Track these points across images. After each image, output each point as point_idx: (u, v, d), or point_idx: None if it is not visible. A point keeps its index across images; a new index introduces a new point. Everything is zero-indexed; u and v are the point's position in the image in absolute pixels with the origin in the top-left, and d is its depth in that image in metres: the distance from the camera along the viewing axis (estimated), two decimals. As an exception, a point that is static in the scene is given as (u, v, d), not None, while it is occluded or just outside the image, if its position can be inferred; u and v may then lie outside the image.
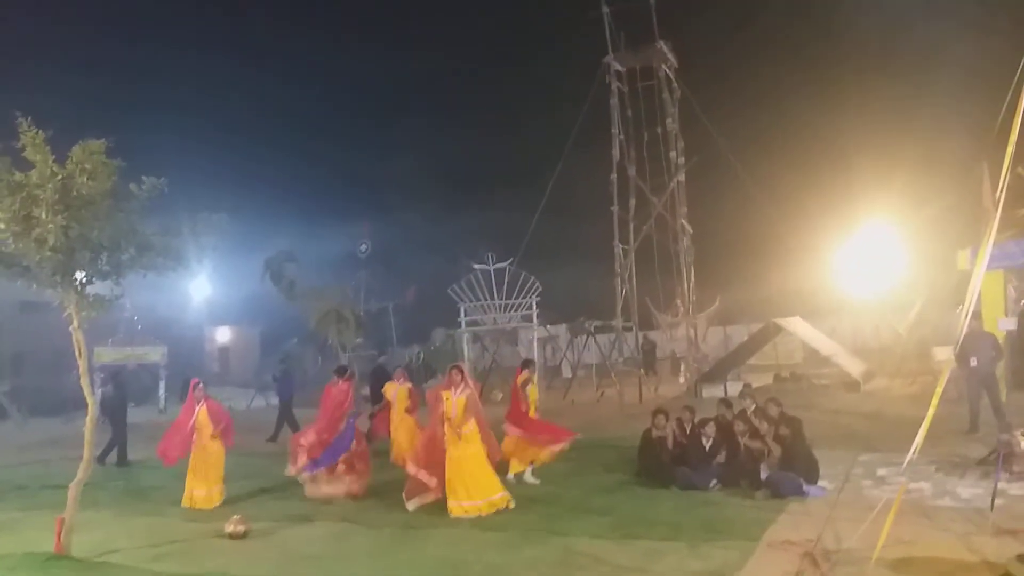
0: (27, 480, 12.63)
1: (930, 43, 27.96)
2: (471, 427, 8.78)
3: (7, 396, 25.76)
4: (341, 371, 10.61)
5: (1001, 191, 5.30)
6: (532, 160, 56.84)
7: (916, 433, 5.33)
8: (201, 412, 10.01)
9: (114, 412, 14.19)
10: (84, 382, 7.99)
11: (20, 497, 11.17)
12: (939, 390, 5.44)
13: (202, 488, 9.79)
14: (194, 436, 9.97)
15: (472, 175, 69.06)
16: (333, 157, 75.11)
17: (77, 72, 62.86)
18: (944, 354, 17.50)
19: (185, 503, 9.79)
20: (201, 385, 10.29)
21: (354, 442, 9.93)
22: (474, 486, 8.59)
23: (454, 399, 8.85)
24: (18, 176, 7.22)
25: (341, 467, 9.76)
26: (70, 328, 7.79)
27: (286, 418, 16.38)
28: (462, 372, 9.19)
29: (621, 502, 8.75)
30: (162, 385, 27.17)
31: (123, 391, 15.07)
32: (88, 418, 7.97)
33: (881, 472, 9.26)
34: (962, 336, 6.31)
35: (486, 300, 22.63)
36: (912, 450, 5.36)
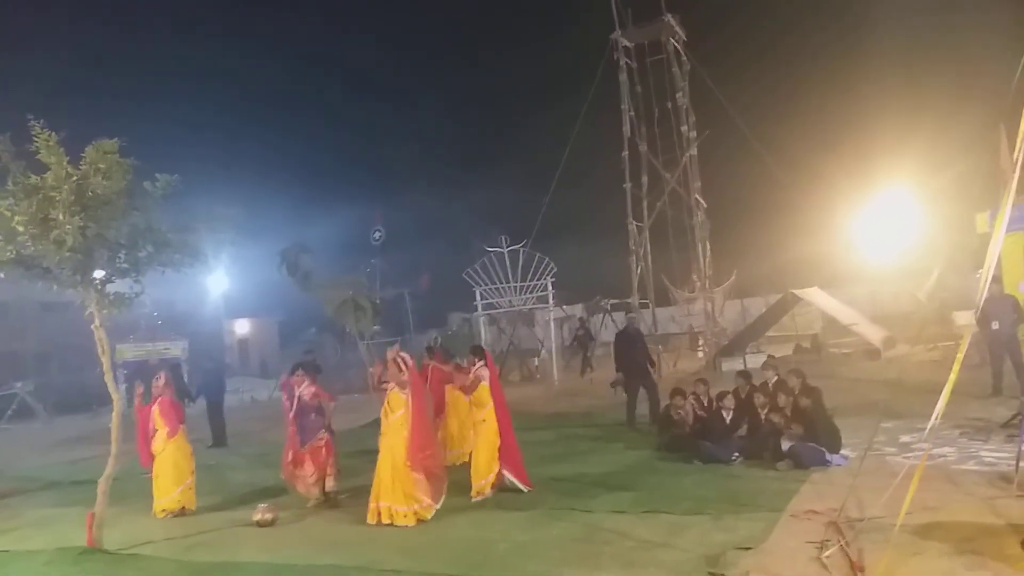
0: (57, 476, 12.87)
1: (946, 6, 27.47)
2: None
3: (33, 395, 26.19)
4: (310, 367, 9.72)
5: (1018, 152, 5.22)
6: (543, 140, 56.67)
7: (938, 399, 5.30)
8: (155, 412, 9.22)
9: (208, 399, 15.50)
10: (108, 378, 8.09)
11: (51, 493, 11.38)
12: (960, 355, 5.39)
13: (156, 495, 9.00)
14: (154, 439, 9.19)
15: (483, 157, 69.03)
16: (343, 144, 75.35)
17: (85, 66, 63.22)
18: (965, 318, 17.37)
19: (157, 513, 9.00)
20: (160, 381, 9.45)
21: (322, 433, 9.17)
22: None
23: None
24: (33, 179, 7.28)
25: (309, 463, 9.03)
26: (92, 326, 7.89)
27: (218, 419, 15.56)
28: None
29: (643, 478, 8.78)
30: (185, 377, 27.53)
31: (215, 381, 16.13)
32: (114, 413, 8.07)
33: (904, 439, 9.24)
34: (983, 300, 6.26)
35: (501, 283, 22.66)
36: (935, 416, 5.33)
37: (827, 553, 5.52)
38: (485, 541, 6.86)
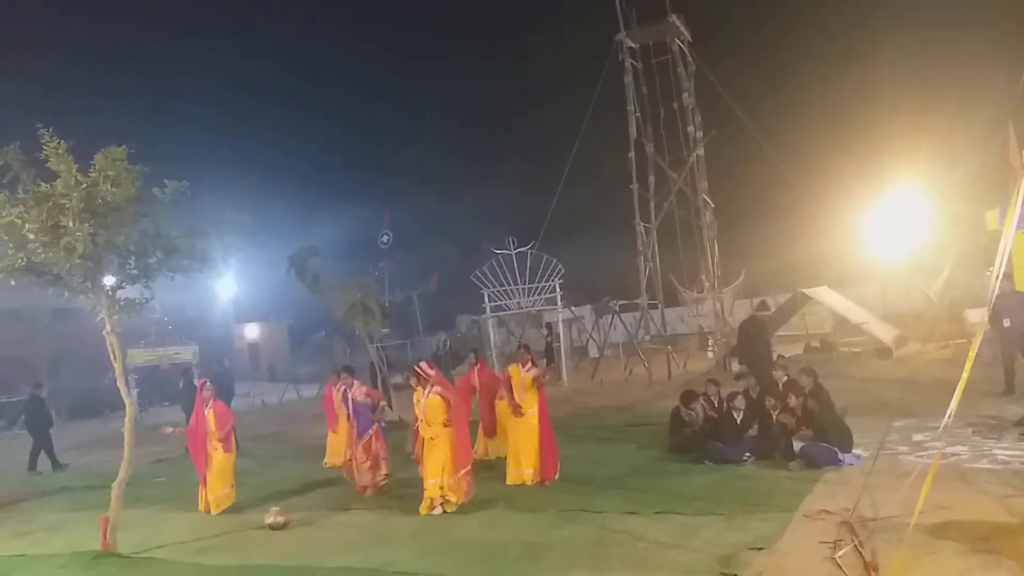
0: (71, 481, 12.96)
1: (954, 4, 27.32)
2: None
3: (46, 400, 26.30)
4: (351, 370, 10.17)
5: (1028, 149, 5.21)
6: (549, 142, 56.76)
7: (951, 397, 5.27)
8: (209, 415, 9.61)
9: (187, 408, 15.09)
10: (120, 384, 8.15)
11: (65, 498, 11.46)
12: (972, 353, 5.36)
13: (212, 493, 9.48)
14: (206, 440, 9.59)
15: (489, 159, 69.20)
16: (350, 147, 75.75)
17: (93, 72, 63.74)
18: (976, 316, 17.29)
19: (201, 507, 9.49)
20: (208, 386, 9.96)
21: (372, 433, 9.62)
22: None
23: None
24: (44, 187, 7.34)
25: (367, 460, 9.54)
26: (104, 332, 7.94)
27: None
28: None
29: (655, 479, 8.76)
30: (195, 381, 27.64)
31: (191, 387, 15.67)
32: (127, 418, 8.13)
33: (917, 438, 9.19)
34: (994, 297, 6.22)
35: (509, 285, 22.66)
36: (947, 414, 5.31)
37: (840, 553, 5.50)
38: (497, 543, 6.87)
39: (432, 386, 8.39)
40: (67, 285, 7.80)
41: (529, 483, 9.01)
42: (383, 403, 10.05)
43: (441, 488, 8.20)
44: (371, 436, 9.60)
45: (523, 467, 9.15)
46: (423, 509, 8.20)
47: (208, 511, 9.38)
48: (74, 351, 29.27)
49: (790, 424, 8.94)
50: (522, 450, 9.20)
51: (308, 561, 6.93)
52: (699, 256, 26.20)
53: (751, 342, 12.06)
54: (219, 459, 9.57)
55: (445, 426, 8.28)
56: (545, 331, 25.60)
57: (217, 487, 9.51)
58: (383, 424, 9.98)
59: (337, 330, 34.01)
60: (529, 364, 9.51)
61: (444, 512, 8.11)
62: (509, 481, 9.17)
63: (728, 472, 8.63)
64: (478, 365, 11.61)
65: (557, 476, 9.10)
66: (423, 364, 8.72)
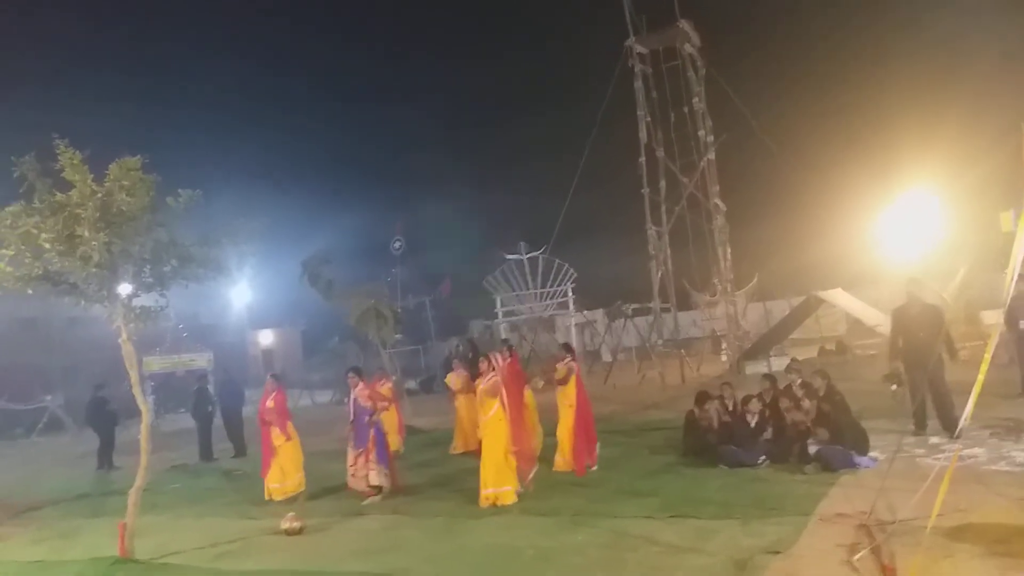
0: (88, 488, 13.05)
1: (967, 6, 27.14)
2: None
3: (62, 408, 26.52)
4: (358, 371, 10.30)
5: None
6: (560, 147, 56.78)
7: (967, 399, 5.24)
8: (270, 405, 10.27)
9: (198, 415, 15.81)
10: (136, 391, 8.20)
11: (83, 505, 11.54)
12: (988, 355, 5.33)
13: (277, 480, 10.03)
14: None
15: (500, 164, 69.34)
16: (363, 153, 76.07)
17: (104, 77, 64.28)
18: (992, 318, 17.13)
19: (266, 496, 10.04)
20: (271, 378, 10.56)
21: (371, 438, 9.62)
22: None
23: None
24: (59, 197, 7.42)
25: (372, 460, 9.56)
26: (119, 340, 8.00)
27: (236, 430, 15.61)
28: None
29: (669, 483, 8.74)
30: (210, 389, 27.76)
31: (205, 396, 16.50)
32: (143, 425, 8.18)
33: (933, 440, 9.13)
34: (1009, 299, 6.17)
35: (521, 290, 22.66)
36: (964, 416, 5.28)
37: (857, 556, 5.47)
38: (510, 548, 6.86)
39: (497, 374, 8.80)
40: (83, 294, 7.87)
41: (569, 470, 9.63)
42: (384, 405, 10.10)
43: (493, 499, 8.44)
44: (367, 447, 9.53)
45: (566, 455, 9.76)
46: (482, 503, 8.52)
47: (271, 499, 9.88)
48: (90, 359, 29.48)
49: (804, 427, 8.89)
50: (563, 440, 9.82)
51: (323, 566, 6.95)
52: (711, 260, 26.08)
53: (904, 334, 9.83)
54: (284, 449, 10.08)
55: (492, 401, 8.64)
56: (467, 345, 24.90)
57: (282, 475, 9.98)
58: (379, 430, 9.80)
59: (350, 336, 34.11)
60: (569, 358, 10.09)
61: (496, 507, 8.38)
62: (555, 468, 9.80)
63: (743, 475, 8.59)
64: (510, 359, 11.79)
65: (595, 467, 9.74)
66: (496, 355, 9.22)
